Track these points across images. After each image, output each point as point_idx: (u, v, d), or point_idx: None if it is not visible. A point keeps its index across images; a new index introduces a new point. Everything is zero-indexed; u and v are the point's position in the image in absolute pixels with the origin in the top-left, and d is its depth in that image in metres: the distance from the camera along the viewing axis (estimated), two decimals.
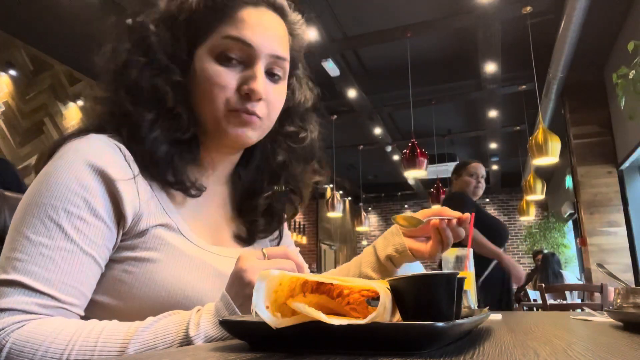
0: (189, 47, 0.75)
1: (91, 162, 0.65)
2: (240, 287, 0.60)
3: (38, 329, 0.57)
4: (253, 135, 0.77)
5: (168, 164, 0.73)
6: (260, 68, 0.74)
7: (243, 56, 0.74)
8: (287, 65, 0.79)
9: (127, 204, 0.66)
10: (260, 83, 0.74)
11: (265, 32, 0.75)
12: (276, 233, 0.92)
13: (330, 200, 7.67)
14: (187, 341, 0.57)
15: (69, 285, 0.61)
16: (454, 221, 0.87)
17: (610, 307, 0.71)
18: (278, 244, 0.92)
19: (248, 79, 0.74)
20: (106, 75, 0.76)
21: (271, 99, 0.77)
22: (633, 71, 2.64)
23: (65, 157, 0.66)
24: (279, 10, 0.80)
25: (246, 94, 0.73)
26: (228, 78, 0.73)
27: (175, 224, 0.72)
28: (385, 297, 0.41)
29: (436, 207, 0.90)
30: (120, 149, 0.69)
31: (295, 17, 0.84)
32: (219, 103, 0.73)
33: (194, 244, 0.73)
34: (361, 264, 0.97)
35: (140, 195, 0.68)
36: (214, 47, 0.74)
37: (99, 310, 0.66)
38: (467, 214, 0.88)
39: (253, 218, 0.85)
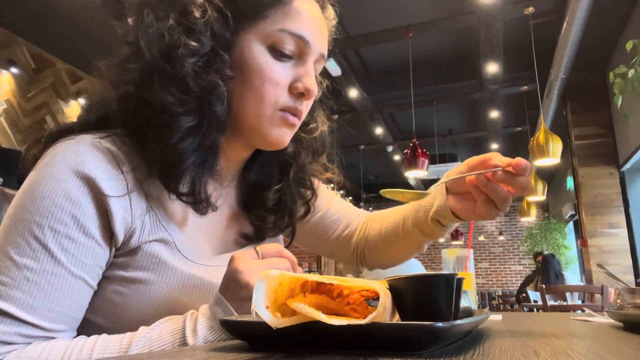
0: (235, 28, 0.65)
1: (80, 172, 0.59)
2: (236, 290, 0.58)
3: (20, 356, 0.54)
4: (291, 136, 0.71)
5: (188, 175, 0.64)
6: (312, 65, 0.69)
7: (295, 51, 0.68)
8: (322, 66, 0.75)
9: (117, 220, 0.60)
10: (314, 81, 0.69)
11: (318, 28, 0.70)
12: (288, 230, 0.86)
13: None
14: None
15: (55, 312, 0.57)
16: (500, 173, 0.66)
17: (611, 308, 0.71)
18: (292, 239, 0.87)
19: (302, 76, 0.68)
20: (139, 56, 0.62)
21: (311, 100, 0.72)
22: (632, 70, 2.63)
23: (51, 165, 0.59)
24: (321, 3, 0.74)
25: (300, 93, 0.68)
26: (282, 74, 0.66)
27: (173, 238, 0.66)
28: (385, 298, 0.41)
29: (486, 155, 0.70)
30: (114, 154, 0.62)
31: (330, 13, 0.78)
32: (269, 101, 0.66)
33: (192, 261, 0.67)
34: (412, 219, 0.84)
35: (133, 210, 0.62)
36: (266, 37, 0.66)
37: (90, 328, 0.62)
38: (519, 159, 0.66)
39: (261, 214, 0.79)
